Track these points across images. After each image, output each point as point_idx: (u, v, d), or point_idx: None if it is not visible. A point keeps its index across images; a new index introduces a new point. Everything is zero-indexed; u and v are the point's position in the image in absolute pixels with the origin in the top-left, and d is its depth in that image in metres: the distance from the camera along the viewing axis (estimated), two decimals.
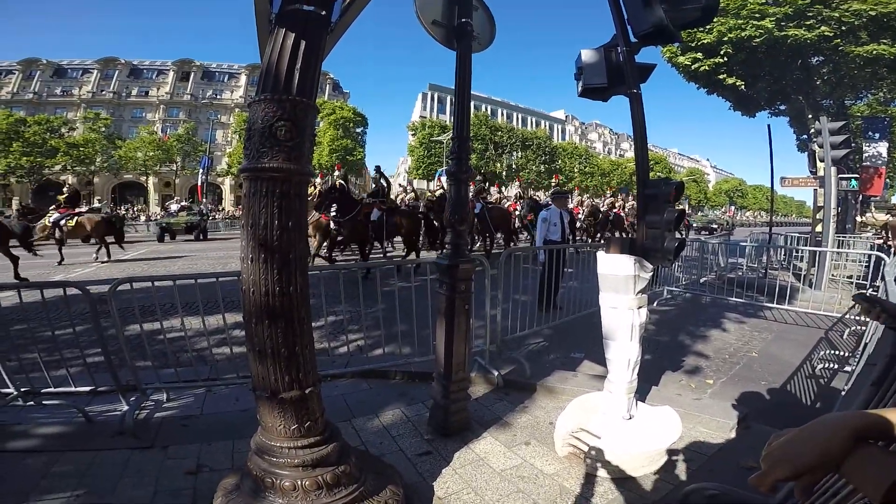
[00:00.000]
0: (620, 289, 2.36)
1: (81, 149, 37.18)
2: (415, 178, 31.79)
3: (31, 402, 2.92)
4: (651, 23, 2.30)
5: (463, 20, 2.59)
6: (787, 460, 0.64)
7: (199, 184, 30.50)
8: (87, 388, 3.08)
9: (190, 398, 3.29)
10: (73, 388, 3.01)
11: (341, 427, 1.96)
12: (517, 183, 19.32)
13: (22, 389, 2.88)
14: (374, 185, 10.32)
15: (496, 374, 3.51)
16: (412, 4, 2.52)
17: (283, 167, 1.52)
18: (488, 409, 3.14)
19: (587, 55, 2.55)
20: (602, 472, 2.34)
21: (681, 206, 2.47)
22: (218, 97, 49.19)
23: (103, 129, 39.96)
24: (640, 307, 2.38)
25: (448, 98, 52.51)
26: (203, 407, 3.18)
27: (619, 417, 2.50)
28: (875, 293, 5.13)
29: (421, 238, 10.94)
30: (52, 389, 2.96)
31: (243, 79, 49.56)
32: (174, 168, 41.90)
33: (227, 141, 46.03)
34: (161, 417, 2.98)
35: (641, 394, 2.96)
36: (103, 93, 45.85)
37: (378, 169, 10.36)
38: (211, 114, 46.32)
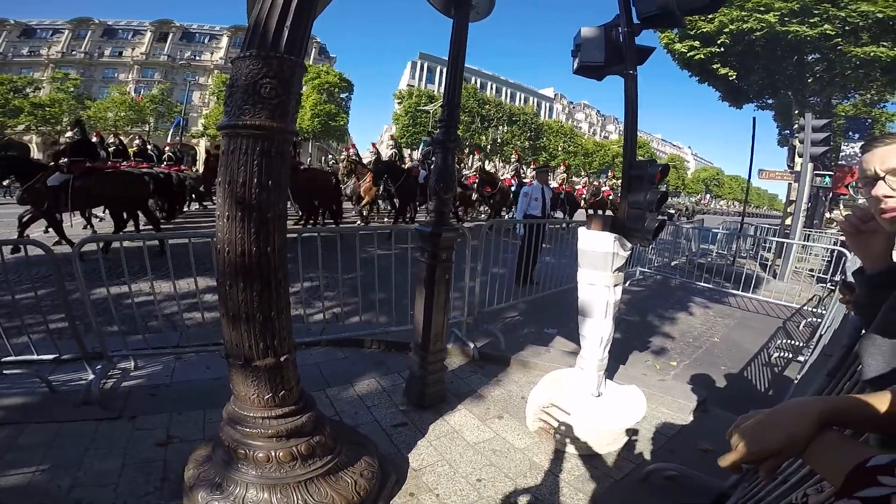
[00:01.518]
0: (599, 265, 2.38)
1: (47, 109, 35.20)
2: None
3: None
4: (658, 5, 2.25)
5: None
6: (755, 443, 0.65)
7: (169, 143, 29.32)
8: (51, 357, 2.94)
9: (158, 366, 3.20)
10: (35, 357, 2.87)
11: (315, 396, 1.95)
12: (514, 156, 18.73)
13: None
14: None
15: (472, 346, 3.54)
16: None
17: (266, 125, 1.46)
18: (464, 381, 3.18)
19: (587, 32, 2.50)
20: (570, 449, 2.41)
21: (663, 189, 2.50)
22: (197, 58, 46.34)
23: (72, 89, 37.84)
24: (616, 285, 2.42)
25: (438, 68, 51.16)
26: (172, 375, 3.10)
27: (589, 394, 2.56)
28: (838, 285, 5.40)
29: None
30: (12, 358, 2.83)
31: (225, 40, 46.67)
32: (146, 129, 40.04)
33: (205, 103, 43.85)
34: (129, 387, 2.88)
35: (610, 372, 3.04)
36: (74, 53, 42.79)
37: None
38: (188, 75, 43.96)
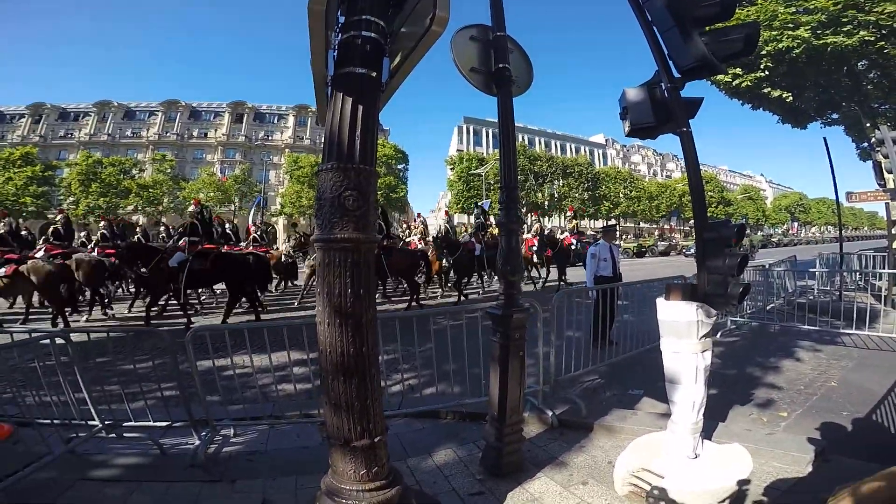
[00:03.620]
0: (683, 334, 2.29)
1: (151, 190, 39.23)
2: (455, 213, 32.11)
3: (113, 434, 3.19)
4: (694, 57, 2.28)
5: (501, 65, 2.59)
6: None
7: (250, 223, 31.59)
8: (164, 423, 3.31)
9: (255, 434, 3.47)
10: (151, 423, 3.26)
11: (397, 466, 2.02)
12: (570, 213, 17.76)
13: (106, 423, 3.15)
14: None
15: (550, 414, 3.45)
16: (448, 50, 2.54)
17: (353, 237, 1.63)
18: (542, 449, 3.09)
19: (632, 94, 2.53)
20: None
21: (743, 250, 2.37)
22: (269, 138, 51.16)
23: (169, 170, 42.05)
24: (704, 351, 2.30)
25: (483, 130, 52.90)
26: (267, 443, 3.34)
27: (684, 457, 2.40)
28: None
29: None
30: (132, 423, 3.23)
31: (291, 119, 51.41)
32: (232, 209, 43.80)
33: (280, 181, 47.21)
34: (229, 452, 3.16)
35: (707, 431, 2.81)
36: (168, 134, 48.48)
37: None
38: (264, 155, 48.37)
